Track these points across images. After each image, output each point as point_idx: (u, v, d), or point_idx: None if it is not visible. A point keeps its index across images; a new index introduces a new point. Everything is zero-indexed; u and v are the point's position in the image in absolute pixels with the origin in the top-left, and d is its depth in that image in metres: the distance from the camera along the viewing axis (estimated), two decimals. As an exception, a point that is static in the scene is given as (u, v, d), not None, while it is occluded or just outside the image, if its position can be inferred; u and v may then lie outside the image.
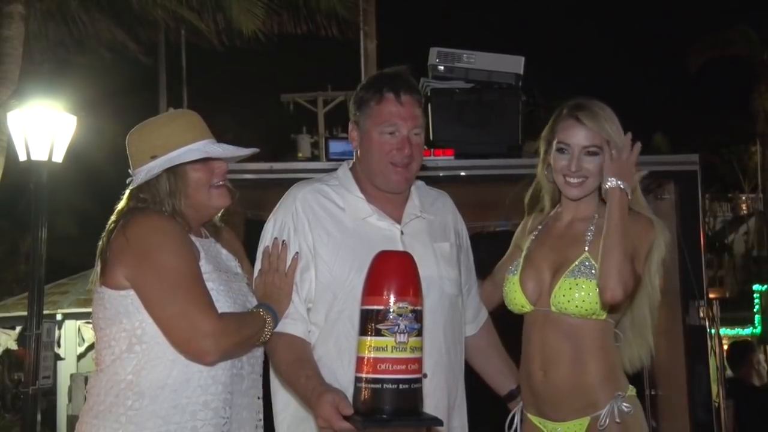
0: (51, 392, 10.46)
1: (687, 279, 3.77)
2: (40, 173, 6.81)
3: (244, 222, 3.85)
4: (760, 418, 5.54)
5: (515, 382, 2.58)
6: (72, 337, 11.40)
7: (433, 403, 2.22)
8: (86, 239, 2.53)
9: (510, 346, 2.65)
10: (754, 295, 15.43)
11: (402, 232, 2.38)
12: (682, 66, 18.45)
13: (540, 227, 2.54)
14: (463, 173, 3.89)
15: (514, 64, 4.00)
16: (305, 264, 2.34)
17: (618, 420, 2.27)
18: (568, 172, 2.39)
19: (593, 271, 2.31)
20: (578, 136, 2.37)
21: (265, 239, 2.41)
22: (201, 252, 2.21)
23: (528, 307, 2.42)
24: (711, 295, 4.76)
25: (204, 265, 2.18)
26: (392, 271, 1.97)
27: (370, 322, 1.93)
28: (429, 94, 3.91)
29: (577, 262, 2.34)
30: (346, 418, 1.95)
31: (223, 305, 2.15)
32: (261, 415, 2.33)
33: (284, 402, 2.37)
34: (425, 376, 2.01)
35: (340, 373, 2.23)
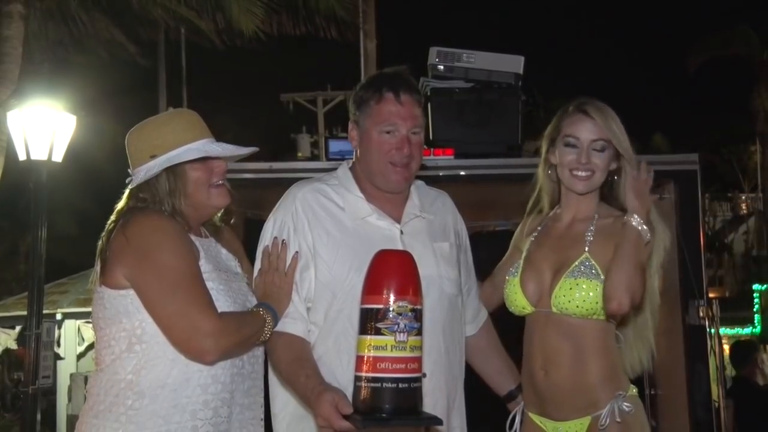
0: (51, 392, 10.46)
1: (687, 278, 3.77)
2: (39, 173, 6.82)
3: (244, 221, 3.85)
4: (763, 417, 5.53)
5: (514, 383, 2.58)
6: (72, 336, 11.40)
7: (432, 403, 2.22)
8: (86, 239, 2.53)
9: (510, 347, 2.66)
10: (754, 295, 15.43)
11: (402, 232, 2.38)
12: (681, 66, 18.45)
13: (539, 228, 2.54)
14: (462, 173, 3.90)
15: (513, 64, 4.01)
16: (305, 263, 2.34)
17: (619, 419, 2.27)
18: (577, 165, 2.39)
19: (594, 271, 2.31)
20: (587, 130, 2.39)
21: (265, 239, 2.41)
22: (201, 251, 2.21)
23: (529, 309, 2.42)
24: (711, 295, 4.76)
25: (204, 265, 2.18)
26: (392, 271, 1.97)
27: (369, 321, 1.94)
28: (429, 93, 3.91)
29: (577, 263, 2.34)
30: (346, 417, 1.95)
31: (222, 305, 2.15)
32: (262, 415, 2.33)
33: (283, 401, 2.38)
34: (424, 375, 2.01)
35: (339, 372, 2.23)
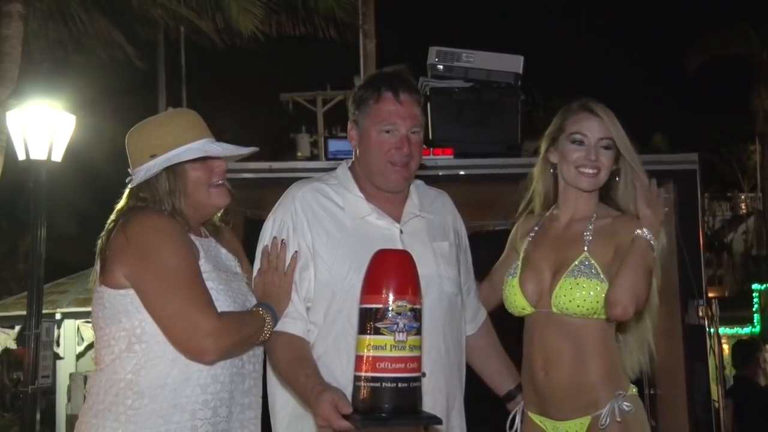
0: (50, 391, 10.46)
1: (686, 278, 3.77)
2: (39, 172, 6.82)
3: (244, 221, 3.85)
4: (764, 417, 5.52)
5: (514, 383, 2.58)
6: (71, 336, 11.39)
7: (431, 402, 2.22)
8: (85, 238, 2.53)
9: (510, 347, 2.65)
10: (753, 294, 15.42)
11: (401, 231, 2.38)
12: (681, 66, 18.44)
13: (536, 229, 2.53)
14: (462, 172, 3.89)
15: (513, 64, 4.01)
16: (304, 263, 2.34)
17: (619, 419, 2.27)
18: (585, 162, 2.40)
19: (594, 271, 2.31)
20: (594, 127, 2.40)
21: (265, 238, 2.41)
22: (200, 251, 2.21)
23: (529, 309, 2.42)
24: (710, 294, 4.76)
25: (203, 265, 2.18)
26: (391, 270, 1.97)
27: (369, 321, 1.94)
28: (428, 93, 3.91)
29: (577, 262, 2.34)
30: (345, 416, 1.95)
31: (222, 304, 2.15)
32: (260, 414, 2.33)
33: (283, 401, 2.37)
34: (424, 374, 2.01)
35: (338, 371, 2.23)
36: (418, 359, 1.96)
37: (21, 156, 6.91)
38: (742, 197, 22.02)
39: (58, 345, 10.72)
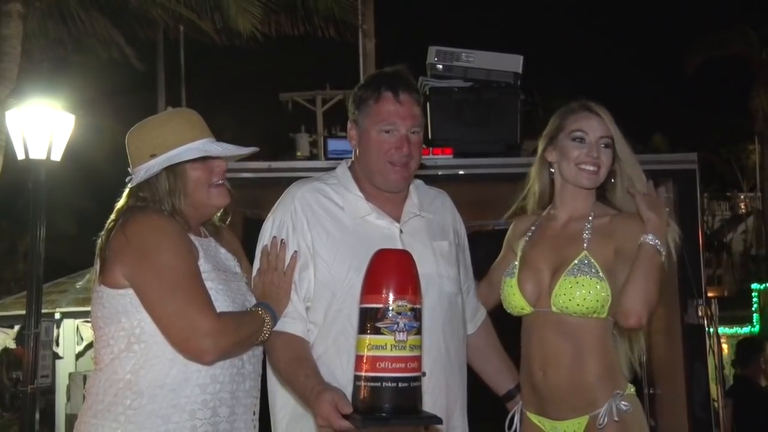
0: (49, 391, 10.46)
1: (685, 278, 3.76)
2: (38, 172, 6.82)
3: (243, 221, 3.85)
4: (763, 417, 5.50)
5: (513, 382, 2.58)
6: (70, 335, 11.40)
7: (431, 402, 2.22)
8: (85, 238, 2.53)
9: (509, 346, 2.65)
10: (753, 294, 15.41)
11: (401, 231, 2.38)
12: (681, 65, 18.45)
13: (533, 228, 2.53)
14: (461, 172, 3.89)
15: (512, 63, 4.00)
16: (304, 263, 2.34)
17: (616, 419, 2.27)
18: (586, 159, 2.40)
19: (593, 270, 2.31)
20: (595, 126, 2.42)
21: (264, 238, 2.41)
22: (200, 251, 2.21)
23: (528, 309, 2.42)
24: (709, 294, 4.75)
25: (203, 265, 2.18)
26: (391, 270, 1.97)
27: (369, 321, 1.93)
28: (428, 92, 3.91)
29: (576, 261, 2.34)
30: (346, 416, 1.95)
31: (222, 304, 2.15)
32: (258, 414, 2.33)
33: (283, 401, 2.37)
34: (424, 374, 2.01)
35: (339, 371, 2.23)
36: (418, 359, 1.96)
37: (20, 155, 6.91)
38: (742, 197, 22.06)
39: (57, 344, 10.72)
